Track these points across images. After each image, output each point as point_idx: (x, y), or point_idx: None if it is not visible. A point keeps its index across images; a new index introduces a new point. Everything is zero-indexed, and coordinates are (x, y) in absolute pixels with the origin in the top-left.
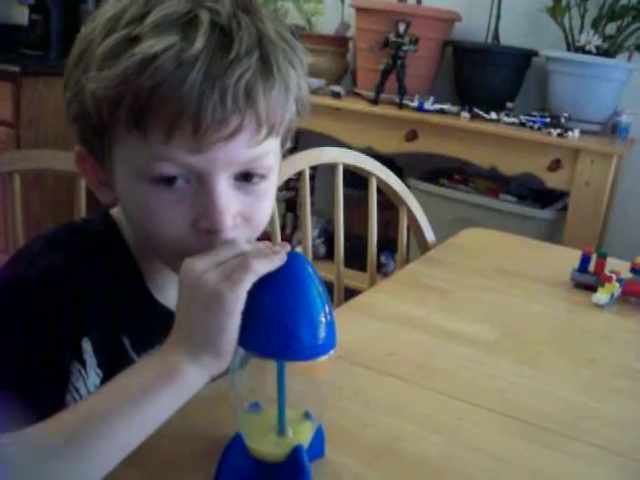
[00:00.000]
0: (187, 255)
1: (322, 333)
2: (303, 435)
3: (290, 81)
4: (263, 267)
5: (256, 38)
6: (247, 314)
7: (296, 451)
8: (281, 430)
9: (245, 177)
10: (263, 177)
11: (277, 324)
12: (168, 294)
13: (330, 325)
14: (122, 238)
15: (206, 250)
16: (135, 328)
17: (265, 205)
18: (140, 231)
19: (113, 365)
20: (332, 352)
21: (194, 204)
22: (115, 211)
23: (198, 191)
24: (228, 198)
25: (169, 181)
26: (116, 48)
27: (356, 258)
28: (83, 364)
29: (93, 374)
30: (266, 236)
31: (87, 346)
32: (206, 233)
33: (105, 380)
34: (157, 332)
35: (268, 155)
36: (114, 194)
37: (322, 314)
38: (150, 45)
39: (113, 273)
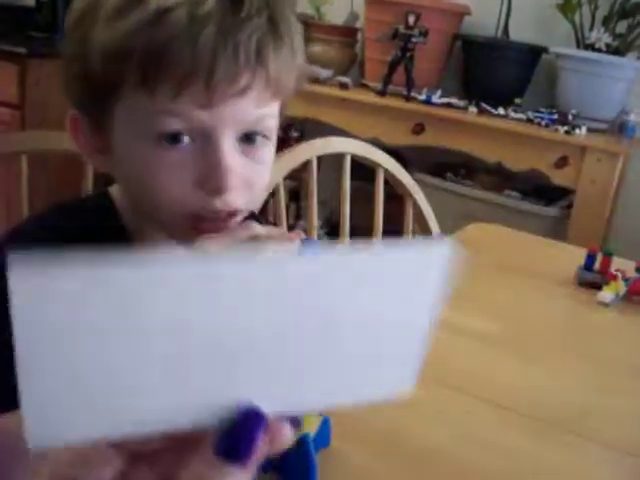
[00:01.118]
0: (189, 218)
1: None
2: (309, 425)
3: (296, 46)
4: None
5: (265, 1)
6: None
7: (302, 441)
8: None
9: (248, 139)
10: (265, 138)
11: None
12: None
13: None
14: (117, 218)
15: (208, 212)
16: None
17: (264, 169)
18: (139, 199)
19: None
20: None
21: (198, 164)
22: (114, 189)
23: (203, 150)
24: (233, 158)
25: (174, 138)
26: (129, 1)
27: None
28: None
29: None
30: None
31: None
32: (209, 194)
33: None
34: None
35: (270, 118)
36: (109, 161)
37: None
38: None
39: (104, 252)
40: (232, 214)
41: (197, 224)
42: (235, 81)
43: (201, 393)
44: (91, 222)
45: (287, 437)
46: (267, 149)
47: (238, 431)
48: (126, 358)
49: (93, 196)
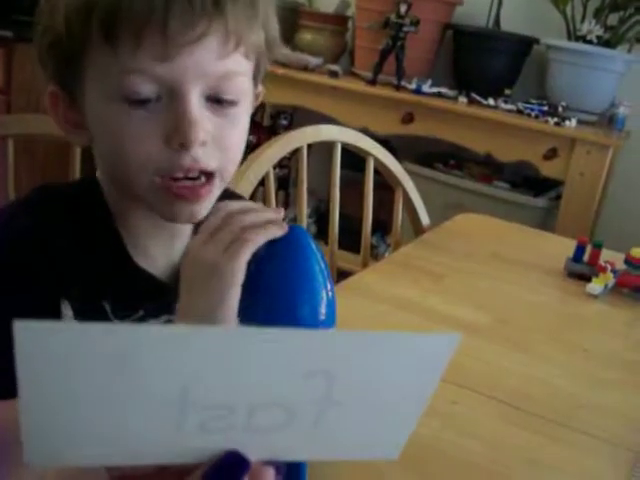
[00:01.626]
0: (162, 180)
1: (323, 309)
2: None
3: (256, 1)
4: (259, 237)
5: None
6: (246, 289)
7: None
8: None
9: (216, 101)
10: (233, 103)
11: (277, 299)
12: (151, 259)
13: (331, 302)
14: (102, 202)
15: (178, 169)
16: (116, 293)
17: (237, 132)
18: (114, 169)
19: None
20: (333, 329)
21: (166, 120)
22: (99, 174)
23: (169, 107)
24: (199, 112)
25: (140, 98)
26: None
27: (347, 239)
28: None
29: None
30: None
31: (67, 311)
32: (177, 150)
33: None
34: (139, 297)
35: (237, 76)
36: (86, 135)
37: (324, 290)
38: None
39: (89, 237)
40: (205, 174)
41: (171, 186)
42: (191, 29)
43: (193, 436)
44: (74, 204)
45: None
46: (240, 110)
47: (223, 471)
48: (124, 402)
49: (79, 180)
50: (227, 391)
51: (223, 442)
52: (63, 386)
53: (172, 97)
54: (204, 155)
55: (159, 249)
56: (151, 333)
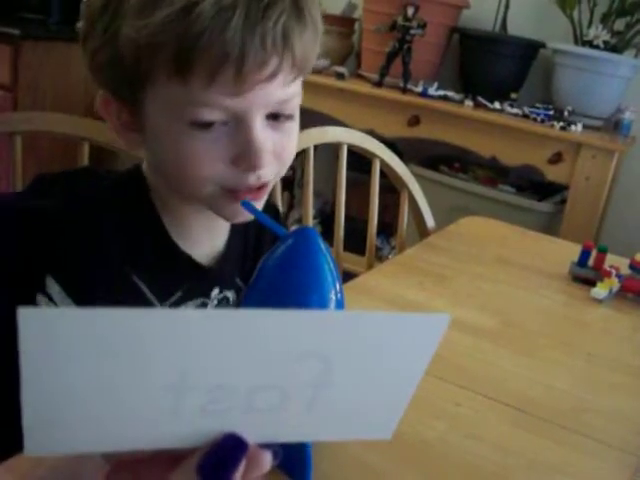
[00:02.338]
0: (224, 193)
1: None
2: None
3: (318, 23)
4: None
5: None
6: (256, 289)
7: None
8: None
9: (274, 117)
10: (289, 117)
11: (287, 301)
12: (192, 242)
13: (340, 303)
14: (147, 191)
15: (244, 186)
16: (154, 273)
17: (292, 142)
18: (171, 177)
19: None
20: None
21: (232, 144)
22: (144, 165)
23: (235, 131)
24: (265, 137)
25: (208, 126)
26: None
27: (352, 241)
28: (49, 298)
29: None
30: (279, 213)
31: (52, 284)
32: (244, 171)
33: None
34: (178, 278)
35: (296, 96)
36: (140, 138)
37: (332, 291)
38: None
39: (133, 221)
40: (263, 189)
41: (233, 193)
42: (264, 68)
43: (191, 420)
44: (120, 193)
45: (266, 464)
46: (294, 123)
47: (221, 453)
48: (124, 387)
49: (125, 170)
50: (225, 374)
51: (220, 425)
52: (64, 372)
53: (238, 122)
54: (267, 172)
55: (201, 234)
56: (150, 318)
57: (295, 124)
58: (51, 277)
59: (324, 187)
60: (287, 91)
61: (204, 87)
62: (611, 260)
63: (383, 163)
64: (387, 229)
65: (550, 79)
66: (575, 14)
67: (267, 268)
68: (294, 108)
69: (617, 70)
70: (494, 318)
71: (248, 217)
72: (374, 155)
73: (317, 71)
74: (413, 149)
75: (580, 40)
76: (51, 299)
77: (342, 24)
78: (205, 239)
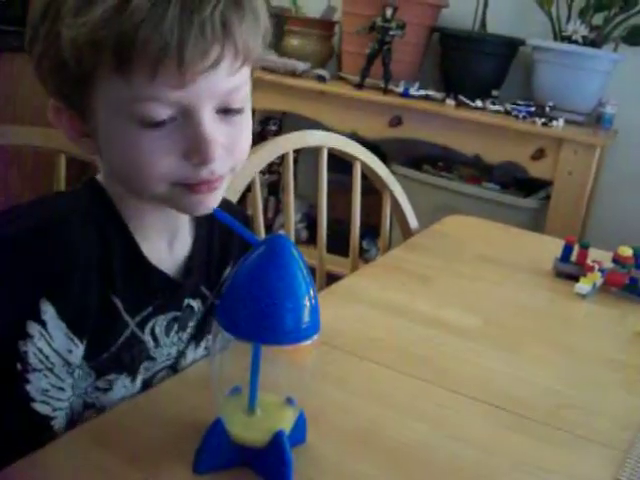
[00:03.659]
0: (178, 187)
1: (306, 317)
2: (285, 421)
3: (259, 10)
4: None
5: None
6: (230, 296)
7: (277, 437)
8: (250, 409)
9: (225, 111)
10: (239, 111)
11: (260, 308)
12: (159, 255)
13: (314, 309)
14: (109, 201)
15: (197, 180)
16: (128, 289)
17: (245, 136)
18: (126, 177)
19: (102, 327)
20: (316, 337)
21: (183, 138)
22: (99, 177)
23: (184, 126)
24: (214, 130)
25: (158, 124)
26: None
27: (338, 243)
28: (43, 325)
29: (61, 336)
30: (248, 219)
31: (47, 308)
32: (195, 166)
33: (92, 343)
34: (150, 293)
35: (243, 87)
36: (95, 143)
37: (306, 298)
38: None
39: (103, 236)
40: (218, 179)
41: (188, 186)
42: (205, 57)
43: None
44: (89, 208)
45: None
46: (245, 116)
47: None
48: None
49: (81, 186)
50: None
51: None
52: None
53: (186, 117)
54: (219, 165)
55: (164, 246)
56: None
57: (246, 117)
58: (46, 300)
59: (310, 191)
60: (233, 81)
61: (147, 81)
62: (596, 255)
63: (364, 166)
64: (373, 231)
65: (531, 76)
66: (553, 10)
67: (240, 276)
68: (243, 100)
69: (597, 64)
70: (477, 317)
71: (208, 209)
72: (355, 158)
73: (298, 74)
74: (396, 149)
75: (559, 36)
76: (44, 326)
77: (322, 27)
78: (167, 250)
